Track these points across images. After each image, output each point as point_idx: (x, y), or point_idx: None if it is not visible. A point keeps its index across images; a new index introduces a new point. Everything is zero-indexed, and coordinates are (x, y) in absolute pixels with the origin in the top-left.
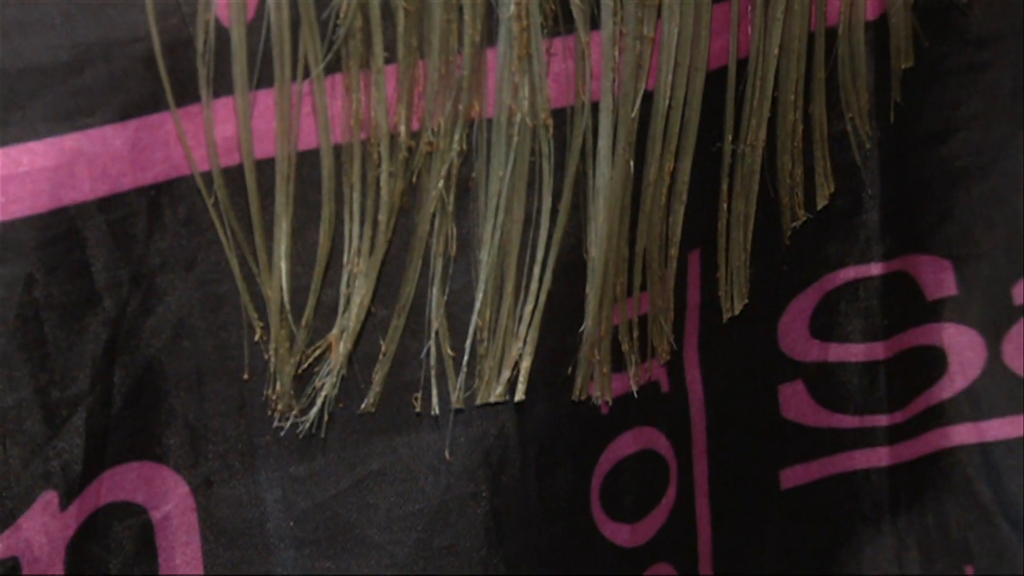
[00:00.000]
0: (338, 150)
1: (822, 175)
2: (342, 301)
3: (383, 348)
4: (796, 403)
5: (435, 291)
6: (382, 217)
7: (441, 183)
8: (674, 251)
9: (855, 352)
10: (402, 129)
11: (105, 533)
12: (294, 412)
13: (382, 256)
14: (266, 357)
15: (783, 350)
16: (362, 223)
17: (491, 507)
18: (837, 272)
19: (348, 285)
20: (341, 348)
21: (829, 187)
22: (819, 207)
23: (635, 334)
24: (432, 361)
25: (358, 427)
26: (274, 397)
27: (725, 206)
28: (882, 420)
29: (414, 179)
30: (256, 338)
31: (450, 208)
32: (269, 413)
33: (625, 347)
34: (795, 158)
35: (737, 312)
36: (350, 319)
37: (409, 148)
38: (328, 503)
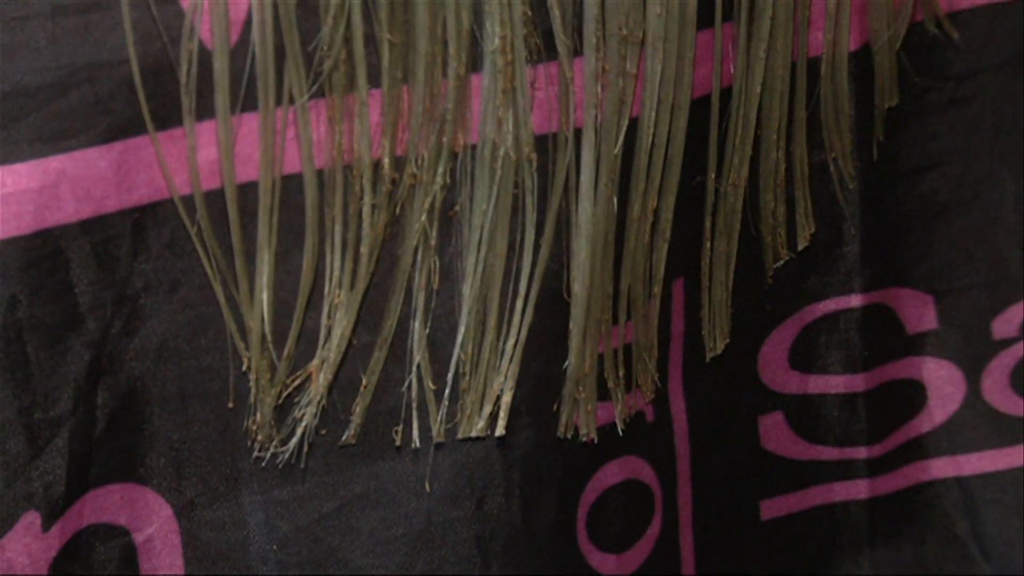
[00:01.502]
0: (321, 180)
1: (803, 215)
2: (323, 332)
3: (364, 381)
4: (776, 434)
5: (417, 324)
6: (364, 249)
7: (424, 216)
8: (657, 288)
9: (835, 384)
10: (385, 161)
11: (87, 555)
12: (275, 442)
13: (364, 288)
14: (250, 384)
15: (763, 381)
16: (344, 255)
17: (475, 533)
18: (817, 304)
19: (329, 316)
20: (321, 379)
21: (810, 227)
22: (800, 248)
23: (620, 372)
24: (414, 394)
25: (341, 452)
26: (254, 427)
27: (708, 245)
28: (861, 452)
29: (397, 211)
30: (244, 368)
31: (433, 241)
32: (249, 443)
33: (611, 384)
34: (778, 197)
35: (719, 351)
36: (331, 350)
37: (392, 180)
38: (311, 527)
